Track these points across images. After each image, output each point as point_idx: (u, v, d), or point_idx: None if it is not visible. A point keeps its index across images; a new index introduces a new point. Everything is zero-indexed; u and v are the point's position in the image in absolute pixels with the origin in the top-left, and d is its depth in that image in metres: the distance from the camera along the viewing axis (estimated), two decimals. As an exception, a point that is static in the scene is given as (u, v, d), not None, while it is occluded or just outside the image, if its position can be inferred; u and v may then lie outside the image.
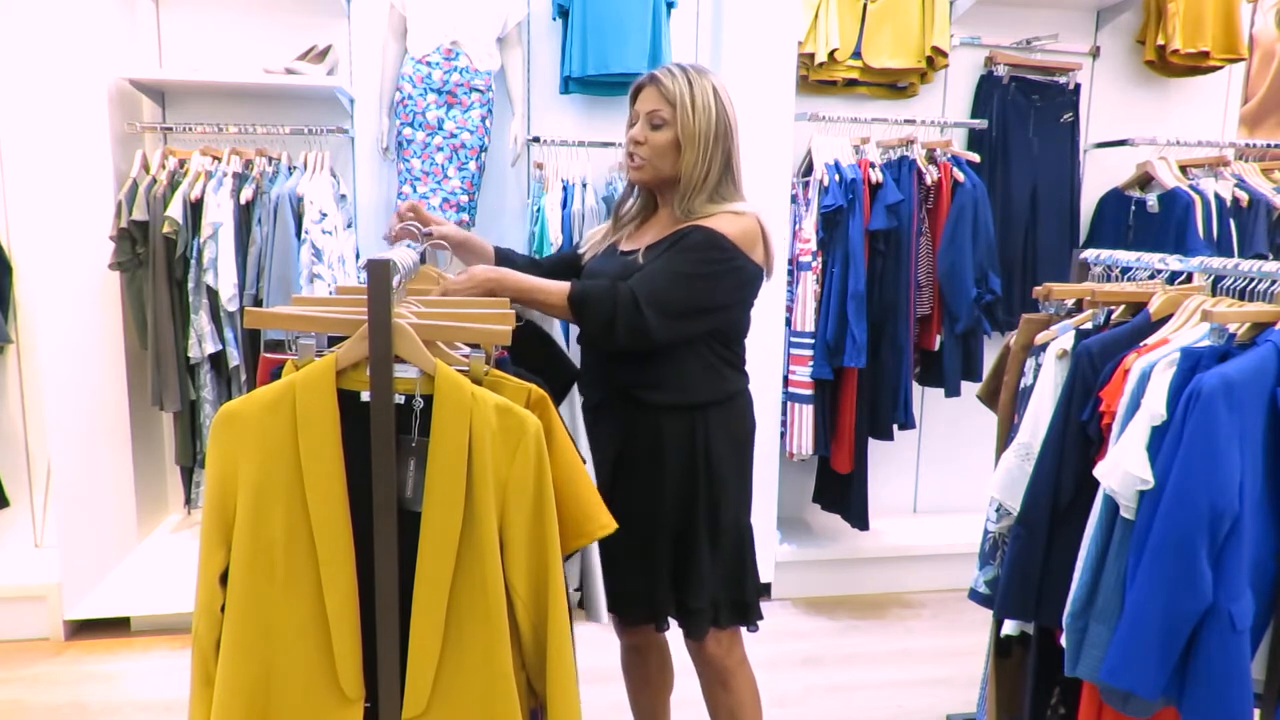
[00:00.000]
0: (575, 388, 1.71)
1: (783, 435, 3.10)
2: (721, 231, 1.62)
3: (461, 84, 2.93)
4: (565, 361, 1.70)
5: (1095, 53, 3.53)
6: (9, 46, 2.62)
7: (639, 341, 1.57)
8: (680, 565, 1.71)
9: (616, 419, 1.71)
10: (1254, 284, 1.65)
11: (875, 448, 3.27)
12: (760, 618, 1.78)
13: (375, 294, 1.17)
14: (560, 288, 1.58)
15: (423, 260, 1.64)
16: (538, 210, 3.00)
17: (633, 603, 1.73)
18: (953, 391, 3.15)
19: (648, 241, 1.70)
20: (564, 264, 1.88)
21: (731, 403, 1.73)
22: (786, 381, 3.07)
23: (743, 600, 1.75)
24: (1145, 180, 3.32)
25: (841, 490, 3.19)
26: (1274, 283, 1.60)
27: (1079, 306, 1.94)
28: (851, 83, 3.34)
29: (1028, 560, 1.72)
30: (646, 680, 1.98)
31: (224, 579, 1.21)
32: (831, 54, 3.21)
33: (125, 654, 2.75)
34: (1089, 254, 2.08)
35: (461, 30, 2.93)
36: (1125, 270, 2.01)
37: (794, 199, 3.08)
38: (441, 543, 1.19)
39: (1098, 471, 1.55)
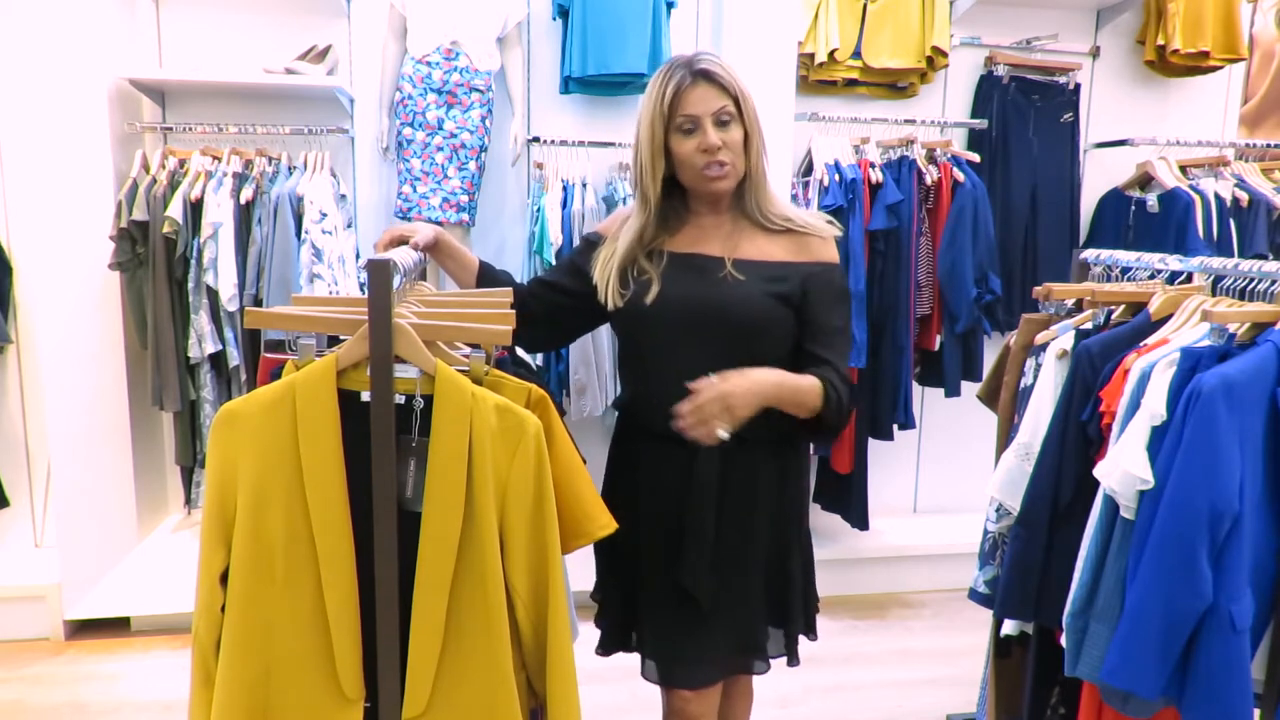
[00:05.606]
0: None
1: (783, 435, 3.09)
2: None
3: (461, 84, 2.93)
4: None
5: (1095, 53, 3.53)
6: (9, 46, 2.62)
7: None
8: (779, 596, 1.60)
9: (708, 459, 1.51)
10: (1254, 284, 1.66)
11: (875, 448, 3.27)
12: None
13: (375, 294, 1.17)
14: (816, 387, 1.46)
15: (423, 277, 1.63)
16: (538, 210, 2.99)
17: (719, 660, 1.57)
18: (953, 391, 3.15)
19: (715, 250, 1.54)
20: (569, 271, 1.66)
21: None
22: (786, 381, 3.07)
23: (811, 608, 1.68)
24: (1145, 180, 3.32)
25: (841, 490, 3.19)
26: (1274, 283, 1.60)
27: (1079, 306, 1.94)
28: (851, 83, 3.34)
29: (1028, 560, 1.72)
30: None
31: (224, 579, 1.21)
32: (831, 54, 3.21)
33: (125, 654, 2.75)
34: (1089, 254, 2.08)
35: (461, 30, 2.93)
36: (1125, 270, 2.01)
37: (794, 199, 3.08)
38: (441, 543, 1.19)
39: (1098, 471, 1.55)
